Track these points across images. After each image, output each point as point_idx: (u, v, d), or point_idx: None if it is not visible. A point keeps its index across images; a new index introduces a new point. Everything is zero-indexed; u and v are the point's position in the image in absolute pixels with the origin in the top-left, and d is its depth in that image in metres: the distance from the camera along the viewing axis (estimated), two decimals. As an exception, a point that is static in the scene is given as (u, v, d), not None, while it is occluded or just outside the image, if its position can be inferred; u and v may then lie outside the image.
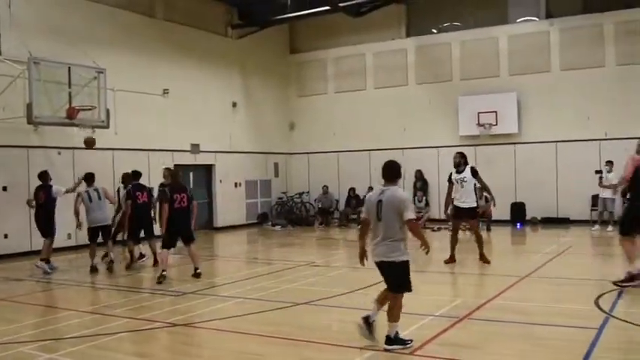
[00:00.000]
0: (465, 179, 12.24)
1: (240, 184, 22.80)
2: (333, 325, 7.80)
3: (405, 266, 6.54)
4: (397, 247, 6.51)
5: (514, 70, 21.34)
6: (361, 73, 23.99)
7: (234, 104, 22.60)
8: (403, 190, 6.87)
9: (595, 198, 18.97)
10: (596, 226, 18.31)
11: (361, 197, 22.65)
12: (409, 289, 6.61)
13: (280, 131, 25.01)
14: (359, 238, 6.99)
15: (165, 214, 11.28)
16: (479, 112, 21.21)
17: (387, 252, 6.52)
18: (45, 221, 13.04)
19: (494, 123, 21.00)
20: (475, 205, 12.45)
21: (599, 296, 8.85)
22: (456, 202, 12.31)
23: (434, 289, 10.37)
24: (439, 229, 19.91)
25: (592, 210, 19.49)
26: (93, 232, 13.05)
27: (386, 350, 6.46)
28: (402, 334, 6.65)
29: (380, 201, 6.57)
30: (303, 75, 25.27)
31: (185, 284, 11.00)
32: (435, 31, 23.20)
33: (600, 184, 18.35)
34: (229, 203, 22.28)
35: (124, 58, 18.15)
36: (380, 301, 6.76)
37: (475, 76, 21.80)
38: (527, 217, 20.59)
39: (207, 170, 21.71)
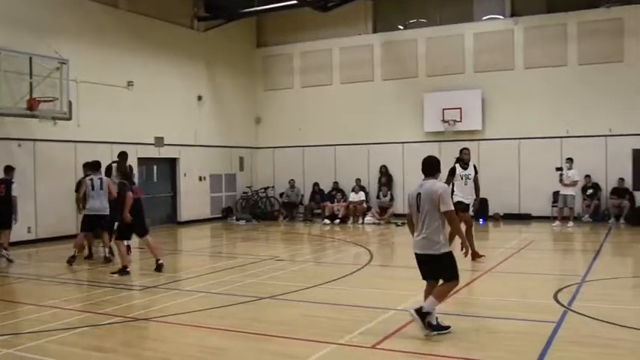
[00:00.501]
0: (470, 176, 12.21)
1: (204, 178, 22.64)
2: (296, 320, 7.80)
3: (449, 257, 6.80)
4: (437, 239, 6.75)
5: (479, 67, 21.56)
6: (328, 68, 23.99)
7: (200, 97, 22.42)
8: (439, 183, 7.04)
9: (556, 194, 19.29)
10: (557, 222, 18.62)
11: (326, 192, 22.73)
12: (457, 278, 6.86)
13: (246, 125, 24.89)
14: (410, 232, 7.20)
15: (129, 204, 11.28)
16: (444, 109, 21.37)
17: (429, 245, 6.77)
18: (4, 213, 13.10)
19: (459, 119, 21.20)
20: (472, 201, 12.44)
21: (559, 290, 9.02)
22: (459, 198, 12.07)
23: (397, 283, 10.46)
24: (403, 224, 20.04)
25: (553, 206, 19.80)
26: (88, 220, 12.92)
27: (412, 316, 6.71)
28: (366, 327, 6.68)
29: (419, 194, 6.85)
30: (270, 69, 25.18)
31: (147, 278, 10.91)
32: (401, 27, 23.31)
33: (561, 181, 18.79)
34: (193, 197, 22.11)
35: (87, 49, 17.87)
36: (427, 296, 6.89)
37: (440, 72, 21.97)
38: (490, 213, 20.84)
39: (172, 164, 21.51)
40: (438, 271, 6.88)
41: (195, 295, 9.48)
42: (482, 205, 20.92)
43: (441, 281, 6.95)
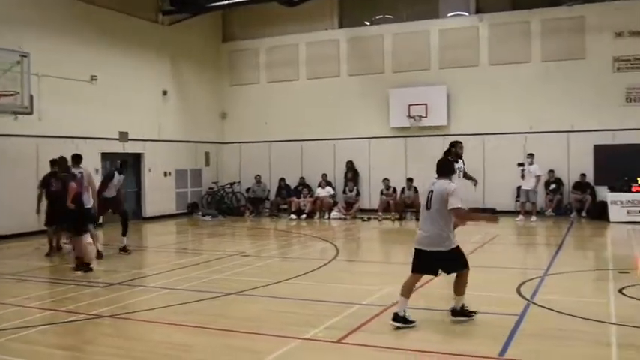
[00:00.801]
0: (461, 169, 12.18)
1: (169, 174, 22.45)
2: (261, 315, 7.79)
3: (456, 250, 7.07)
4: (445, 236, 6.99)
5: (444, 63, 21.73)
6: (294, 63, 23.95)
7: (165, 92, 22.21)
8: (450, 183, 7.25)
9: (519, 190, 19.55)
10: (520, 217, 18.88)
11: (292, 188, 22.72)
12: (467, 266, 7.16)
13: (212, 120, 24.73)
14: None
15: (72, 194, 11.34)
16: (409, 104, 21.50)
17: (436, 242, 6.99)
18: None
19: (424, 115, 21.35)
20: None
21: (522, 284, 9.16)
22: None
23: (362, 278, 10.52)
24: (369, 219, 20.17)
25: (516, 201, 20.07)
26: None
27: (452, 320, 7.13)
28: (332, 322, 6.71)
29: (431, 191, 7.10)
30: (236, 64, 25.04)
31: (112, 275, 10.79)
32: (367, 23, 23.39)
33: (522, 176, 19.08)
34: (158, 193, 21.92)
35: (49, 43, 17.56)
36: (408, 288, 7.11)
37: (406, 68, 22.09)
38: (455, 208, 21.00)
39: (136, 159, 21.27)
40: (449, 265, 7.13)
41: (160, 291, 9.41)
42: (447, 200, 21.22)
43: (441, 272, 7.30)
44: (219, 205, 23.36)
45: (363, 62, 22.86)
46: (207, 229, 19.27)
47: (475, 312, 7.27)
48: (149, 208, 21.50)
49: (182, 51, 22.98)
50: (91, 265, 11.14)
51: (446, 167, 7.36)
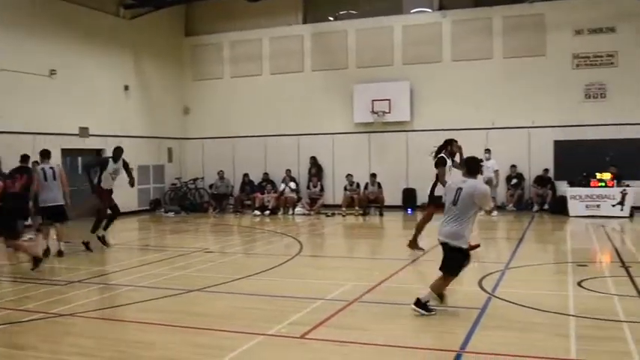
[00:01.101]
0: (451, 168, 12.15)
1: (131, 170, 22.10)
2: (225, 312, 7.74)
3: (463, 255, 7.34)
4: (461, 234, 7.26)
5: (407, 59, 21.85)
6: (258, 59, 23.83)
7: (127, 87, 21.91)
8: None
9: (481, 185, 19.76)
10: (482, 212, 19.08)
11: (256, 183, 22.64)
12: (455, 275, 7.46)
13: (174, 116, 24.49)
14: None
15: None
16: (373, 100, 21.59)
17: (453, 236, 7.29)
18: None
19: (388, 111, 21.46)
20: None
21: (483, 278, 9.26)
22: (442, 193, 11.87)
23: (326, 273, 10.54)
24: (333, 214, 20.21)
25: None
26: (43, 212, 12.34)
27: (413, 309, 7.23)
28: (295, 318, 6.69)
29: (460, 188, 7.29)
30: (199, 58, 24.82)
31: (72, 273, 10.61)
32: (331, 18, 23.40)
33: (481, 171, 19.27)
34: (120, 189, 21.45)
35: (6, 37, 17.19)
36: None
37: (370, 64, 22.16)
38: (418, 203, 21.19)
39: (97, 155, 20.91)
40: (447, 262, 7.40)
41: (121, 289, 9.29)
42: (410, 194, 21.41)
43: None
44: (183, 201, 23.16)
45: (327, 58, 22.86)
46: (170, 225, 19.10)
47: (434, 312, 7.29)
48: (111, 205, 21.15)
49: (144, 45, 22.69)
50: (41, 258, 10.85)
51: (475, 166, 7.58)
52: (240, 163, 23.61)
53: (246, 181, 22.82)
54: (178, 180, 23.85)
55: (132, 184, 14.01)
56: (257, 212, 21.09)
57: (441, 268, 7.46)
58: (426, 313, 7.21)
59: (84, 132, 19.94)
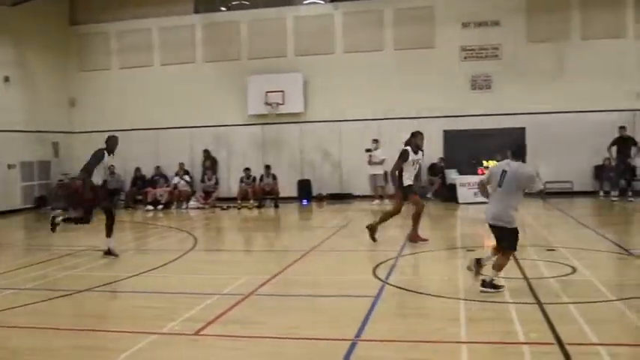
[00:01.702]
0: (420, 161, 11.97)
1: (14, 166, 21.00)
2: (116, 311, 7.46)
3: (515, 232, 7.65)
4: (510, 214, 7.56)
5: (300, 51, 21.89)
6: (148, 49, 23.14)
7: (7, 78, 20.69)
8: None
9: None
10: (376, 201, 19.47)
11: (147, 177, 22.03)
12: (515, 249, 7.78)
13: (60, 108, 23.38)
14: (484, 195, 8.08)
15: None
16: (267, 92, 21.49)
17: (501, 217, 7.60)
18: None
19: (282, 102, 21.43)
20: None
21: (377, 266, 9.40)
22: (409, 182, 11.78)
23: (221, 267, 10.39)
24: (228, 207, 20.01)
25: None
26: None
27: (481, 292, 7.45)
28: (190, 314, 6.53)
29: (505, 171, 7.58)
30: (86, 49, 23.79)
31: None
32: (223, 9, 23.04)
33: (369, 161, 19.76)
34: (2, 186, 20.47)
35: None
36: (494, 251, 7.96)
37: (263, 55, 22.02)
38: (314, 194, 21.34)
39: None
40: (502, 240, 7.71)
41: (2, 292, 8.75)
42: (305, 185, 21.51)
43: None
44: (71, 198, 22.19)
45: (220, 49, 22.52)
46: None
47: (503, 286, 7.55)
48: (-8, 204, 20.04)
49: (26, 34, 21.46)
50: None
51: (520, 150, 7.88)
52: (131, 156, 22.80)
53: (138, 176, 22.19)
54: (65, 176, 22.82)
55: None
56: (149, 207, 20.55)
57: (498, 248, 7.79)
58: (495, 290, 7.46)
59: (-41, 126, 18.74)
